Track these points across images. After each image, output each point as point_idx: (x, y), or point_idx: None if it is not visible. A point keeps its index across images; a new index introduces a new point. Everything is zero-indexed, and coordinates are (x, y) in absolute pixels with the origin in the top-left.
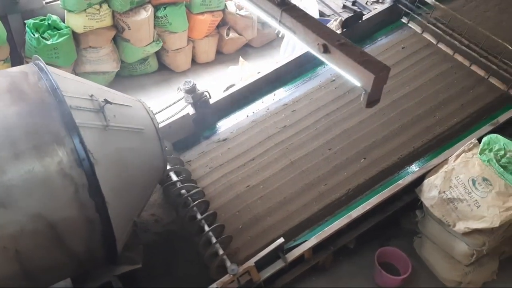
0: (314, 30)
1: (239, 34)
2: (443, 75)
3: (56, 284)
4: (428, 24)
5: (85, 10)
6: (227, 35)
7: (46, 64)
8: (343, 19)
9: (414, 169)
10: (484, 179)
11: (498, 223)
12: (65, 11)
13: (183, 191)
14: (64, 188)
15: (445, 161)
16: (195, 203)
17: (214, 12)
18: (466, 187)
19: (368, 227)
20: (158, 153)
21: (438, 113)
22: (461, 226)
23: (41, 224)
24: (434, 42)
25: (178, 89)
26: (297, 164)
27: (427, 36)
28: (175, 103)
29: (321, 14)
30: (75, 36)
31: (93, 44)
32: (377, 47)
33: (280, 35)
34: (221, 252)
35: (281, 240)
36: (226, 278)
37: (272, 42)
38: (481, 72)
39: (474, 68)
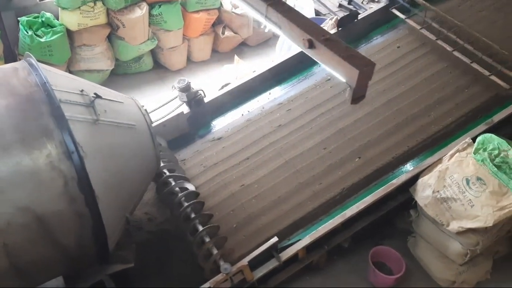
0: (300, 25)
1: (235, 33)
2: (438, 75)
3: (48, 282)
4: (418, 26)
5: (79, 7)
6: (223, 33)
7: (40, 62)
8: (338, 18)
9: (409, 168)
10: (478, 179)
11: (492, 222)
12: (59, 8)
13: (177, 189)
14: (53, 181)
15: (439, 161)
16: (189, 203)
17: (209, 11)
18: (460, 186)
19: (362, 226)
20: (150, 149)
21: (433, 113)
22: (455, 226)
23: (29, 217)
24: (430, 40)
25: (172, 87)
26: (292, 163)
27: (425, 33)
28: (169, 101)
29: (317, 13)
30: (69, 33)
31: (87, 42)
32: (372, 46)
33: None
34: (215, 252)
35: (275, 239)
36: (219, 277)
37: (268, 40)
38: (482, 71)
39: (475, 66)
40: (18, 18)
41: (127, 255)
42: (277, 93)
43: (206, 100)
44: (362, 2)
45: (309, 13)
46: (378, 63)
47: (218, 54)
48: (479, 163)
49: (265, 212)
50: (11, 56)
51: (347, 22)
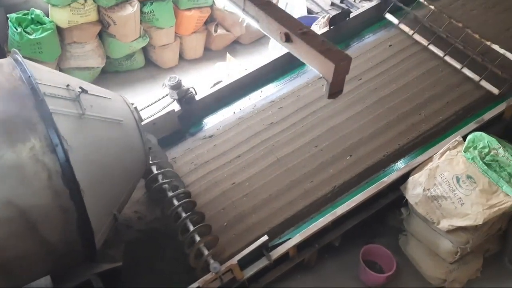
0: (277, 19)
1: (227, 31)
2: (429, 73)
3: (35, 282)
4: (410, 32)
5: (69, 4)
6: (215, 31)
7: (30, 59)
8: (330, 16)
9: (400, 166)
10: (468, 177)
11: (482, 220)
12: (49, 5)
13: (167, 187)
14: (36, 174)
15: (430, 159)
16: (180, 202)
17: (201, 8)
18: (450, 184)
19: (353, 225)
20: (139, 145)
21: (424, 111)
22: (445, 224)
23: (12, 212)
24: (423, 42)
25: (163, 85)
26: (283, 161)
27: (415, 35)
28: (160, 99)
29: (309, 11)
30: (59, 31)
31: (77, 39)
32: (364, 45)
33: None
34: (206, 252)
35: (265, 237)
36: (208, 276)
37: (260, 39)
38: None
39: (465, 71)
40: (8, 15)
41: (115, 254)
42: (269, 91)
43: (197, 98)
44: (354, 1)
45: (301, 11)
46: (369, 61)
47: (211, 52)
48: (469, 161)
49: (256, 210)
50: (0, 54)
51: (339, 20)
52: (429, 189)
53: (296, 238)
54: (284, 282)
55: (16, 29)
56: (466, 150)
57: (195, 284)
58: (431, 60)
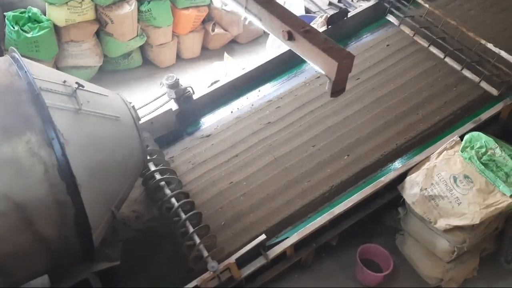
0: (279, 17)
1: (225, 30)
2: (427, 73)
3: (32, 281)
4: (405, 23)
5: (66, 3)
6: (213, 30)
7: (27, 57)
8: (328, 16)
9: (397, 166)
10: (465, 176)
11: (479, 220)
12: (46, 3)
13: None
14: (32, 167)
15: (427, 158)
16: (179, 203)
17: (199, 7)
18: (447, 184)
19: (350, 224)
20: (136, 142)
21: (422, 111)
22: (442, 223)
23: (8, 205)
24: (423, 43)
25: (160, 84)
26: (281, 161)
27: (412, 34)
28: (157, 98)
29: (307, 10)
30: (57, 29)
31: (75, 38)
32: (362, 44)
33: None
34: (205, 253)
35: (263, 237)
36: (206, 275)
37: (258, 38)
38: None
39: (454, 64)
40: (4, 13)
41: (112, 253)
42: (267, 91)
43: (195, 97)
44: (352, 0)
45: (299, 11)
46: (367, 61)
47: (208, 52)
48: (467, 161)
49: (253, 209)
50: None
51: (337, 19)
52: (426, 188)
53: (294, 237)
54: (281, 282)
55: (13, 28)
56: (463, 150)
57: (193, 283)
58: (428, 60)
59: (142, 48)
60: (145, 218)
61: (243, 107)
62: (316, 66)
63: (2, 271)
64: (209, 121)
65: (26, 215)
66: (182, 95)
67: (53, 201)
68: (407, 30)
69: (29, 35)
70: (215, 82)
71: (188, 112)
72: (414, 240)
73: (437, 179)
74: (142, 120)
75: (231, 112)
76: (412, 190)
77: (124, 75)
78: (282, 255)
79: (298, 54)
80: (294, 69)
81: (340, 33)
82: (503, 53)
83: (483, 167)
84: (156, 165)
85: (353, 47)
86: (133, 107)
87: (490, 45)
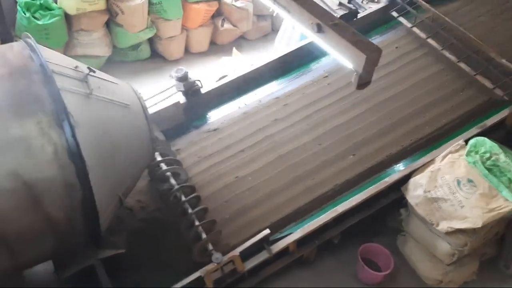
0: (309, 9)
1: (234, 26)
2: (434, 76)
3: (37, 266)
4: (424, 36)
5: None
6: (222, 25)
7: None
8: (338, 16)
9: (402, 167)
10: (469, 180)
11: (481, 223)
12: None
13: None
14: (42, 147)
15: (432, 161)
16: (186, 198)
17: (209, 2)
18: (451, 187)
19: (353, 223)
20: (145, 130)
21: (428, 114)
22: (444, 226)
23: (17, 183)
24: (437, 46)
25: (170, 76)
26: (287, 158)
27: (431, 42)
28: (165, 90)
29: None
30: (68, 18)
31: (85, 27)
32: None
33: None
34: (210, 247)
35: (267, 231)
36: (210, 266)
37: (267, 35)
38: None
39: (463, 66)
40: (16, 0)
41: (117, 241)
42: (275, 88)
43: (203, 91)
44: (362, 2)
45: None
46: None
47: (216, 47)
48: (471, 165)
49: (258, 204)
50: (8, 38)
51: (346, 20)
52: (430, 191)
53: (297, 233)
54: (282, 276)
55: (25, 14)
56: (468, 154)
57: (196, 274)
58: (436, 64)
59: (151, 40)
60: (150, 209)
61: (250, 103)
62: (343, 59)
63: (8, 250)
64: (216, 116)
65: (34, 194)
66: (190, 89)
67: (62, 182)
68: (419, 33)
69: (40, 22)
70: (223, 77)
71: (196, 105)
72: (415, 242)
73: (441, 182)
74: (150, 112)
75: (239, 107)
76: (415, 191)
77: (132, 66)
78: (285, 251)
79: (326, 46)
80: (301, 67)
81: None
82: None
83: (487, 171)
84: (162, 156)
85: None
86: (140, 95)
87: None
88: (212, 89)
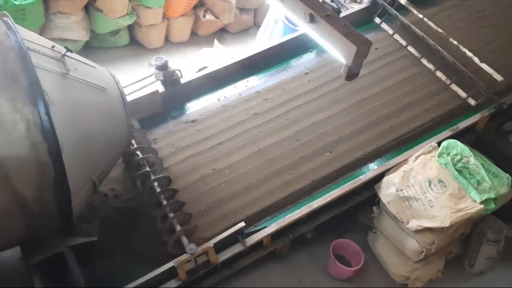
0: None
1: (216, 17)
2: (411, 79)
3: (3, 252)
4: (404, 43)
5: None
6: (204, 16)
7: None
8: None
9: (376, 166)
10: (440, 181)
11: (449, 223)
12: None
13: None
14: (14, 124)
15: (405, 161)
16: (161, 190)
17: None
18: (422, 187)
19: (326, 219)
20: (122, 115)
21: (403, 115)
22: (413, 224)
23: None
24: (404, 45)
25: (149, 64)
26: (264, 152)
27: (410, 50)
28: (144, 78)
29: None
30: None
31: (63, 10)
32: None
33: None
34: (185, 241)
35: (242, 224)
36: (183, 257)
37: (248, 29)
38: (444, 78)
39: (438, 74)
40: None
41: (90, 229)
42: (255, 82)
43: (182, 81)
44: (344, 1)
45: None
46: None
47: (197, 38)
48: (442, 167)
49: (234, 197)
50: None
51: None
52: (402, 189)
53: (271, 227)
54: (255, 269)
55: None
56: (439, 156)
57: (169, 264)
58: (413, 67)
59: (130, 27)
60: (124, 198)
61: (230, 95)
62: (334, 50)
63: None
64: (195, 107)
65: (5, 172)
66: (169, 78)
67: (34, 160)
68: (400, 40)
69: (16, 2)
70: (203, 68)
71: (174, 95)
72: (385, 239)
73: (413, 181)
74: (128, 99)
75: (218, 99)
76: (388, 190)
77: (110, 52)
78: (259, 244)
79: (317, 37)
80: (283, 63)
81: None
82: (484, 65)
83: (457, 173)
84: (138, 144)
85: None
86: (118, 81)
87: (476, 59)
88: (192, 80)
